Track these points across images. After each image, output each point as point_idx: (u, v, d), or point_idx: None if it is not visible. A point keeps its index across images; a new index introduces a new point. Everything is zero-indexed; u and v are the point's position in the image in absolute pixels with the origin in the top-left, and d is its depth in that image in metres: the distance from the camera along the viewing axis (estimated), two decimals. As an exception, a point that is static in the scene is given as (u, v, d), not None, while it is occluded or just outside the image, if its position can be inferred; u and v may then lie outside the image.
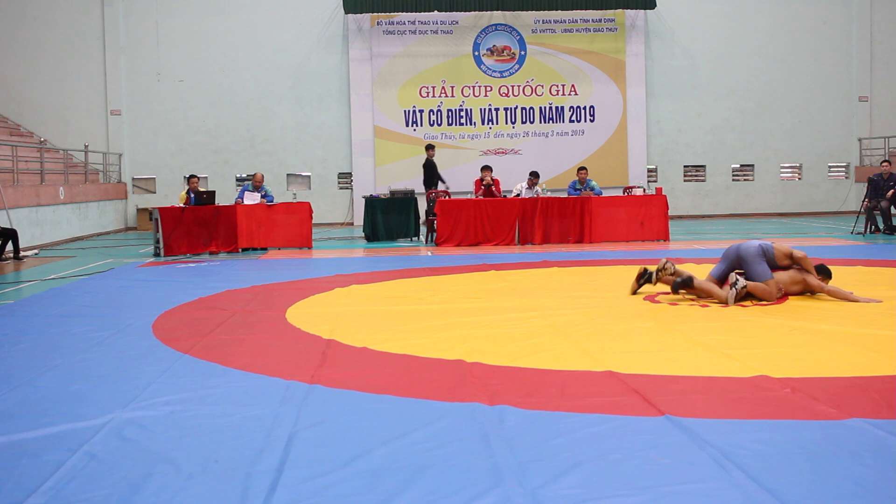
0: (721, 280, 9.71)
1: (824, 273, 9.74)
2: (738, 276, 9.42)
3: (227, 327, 8.56)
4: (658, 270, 10.15)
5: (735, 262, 9.68)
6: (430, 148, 21.41)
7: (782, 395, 5.65)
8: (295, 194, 20.32)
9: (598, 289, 10.87)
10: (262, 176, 18.42)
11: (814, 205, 26.99)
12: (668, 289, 10.13)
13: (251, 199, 17.56)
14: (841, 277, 10.38)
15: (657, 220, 18.06)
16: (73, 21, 25.12)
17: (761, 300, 9.39)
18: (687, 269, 10.95)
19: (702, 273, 10.40)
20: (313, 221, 17.97)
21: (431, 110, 25.53)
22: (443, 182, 20.93)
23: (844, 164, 27.28)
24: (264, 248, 17.37)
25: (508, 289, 11.07)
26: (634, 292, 10.29)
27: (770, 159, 26.98)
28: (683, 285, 9.63)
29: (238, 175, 25.29)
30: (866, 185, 19.49)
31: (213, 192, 17.81)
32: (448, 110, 25.58)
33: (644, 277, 10.34)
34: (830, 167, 27.30)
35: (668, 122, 26.45)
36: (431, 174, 21.02)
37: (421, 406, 5.57)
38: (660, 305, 9.44)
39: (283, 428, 5.13)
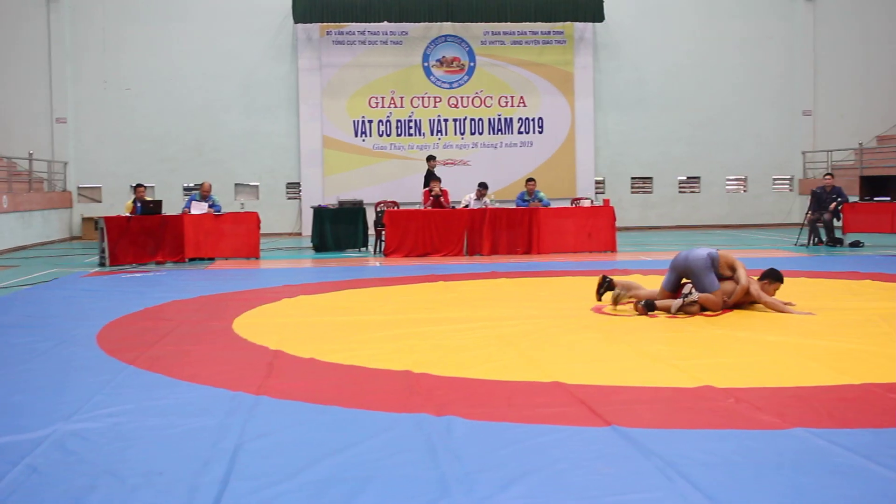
0: (673, 291, 9.78)
1: (774, 277, 9.85)
2: (692, 289, 9.50)
3: (172, 338, 8.48)
4: (614, 299, 10.08)
5: (683, 272, 9.75)
6: (431, 159, 21.31)
7: (727, 406, 5.71)
8: (243, 204, 20.19)
9: (545, 300, 10.92)
10: (210, 185, 18.31)
11: (759, 217, 27.32)
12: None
13: (199, 208, 17.45)
14: (784, 289, 10.49)
15: (605, 231, 18.18)
16: (18, 27, 24.80)
17: (707, 310, 9.47)
18: (634, 280, 11.03)
19: (650, 284, 10.48)
20: (261, 231, 17.87)
21: (381, 121, 25.52)
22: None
23: (788, 176, 27.66)
24: (211, 258, 17.24)
25: (456, 299, 11.08)
26: (599, 299, 10.34)
27: (716, 171, 27.28)
28: (649, 308, 9.60)
29: (186, 184, 25.09)
30: (810, 197, 19.75)
31: (160, 201, 17.68)
32: (397, 121, 25.58)
33: (604, 286, 10.38)
34: (775, 180, 27.66)
35: (615, 135, 26.64)
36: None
37: (368, 417, 5.56)
38: (607, 317, 9.50)
39: (228, 439, 5.09)
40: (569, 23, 25.91)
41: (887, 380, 6.30)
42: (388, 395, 6.13)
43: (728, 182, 27.47)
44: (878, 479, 4.35)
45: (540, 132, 26.06)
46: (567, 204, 20.33)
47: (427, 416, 5.49)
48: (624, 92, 26.61)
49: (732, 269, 9.68)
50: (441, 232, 17.75)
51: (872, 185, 19.77)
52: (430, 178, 20.67)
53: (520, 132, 26.00)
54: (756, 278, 9.89)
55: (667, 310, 9.52)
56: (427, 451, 4.83)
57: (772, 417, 5.40)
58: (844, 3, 27.50)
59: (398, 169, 25.31)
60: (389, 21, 25.02)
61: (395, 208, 19.06)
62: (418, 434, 5.14)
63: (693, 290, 9.47)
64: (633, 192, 26.98)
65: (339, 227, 19.02)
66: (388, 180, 25.10)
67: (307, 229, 22.77)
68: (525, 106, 26.03)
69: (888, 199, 19.24)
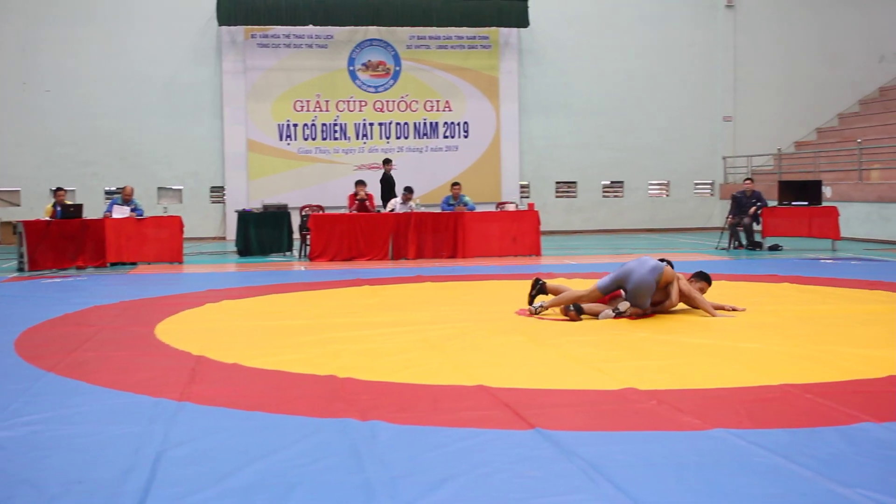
0: (605, 293, 9.81)
1: (701, 277, 10.04)
2: (628, 304, 9.55)
3: (93, 344, 8.35)
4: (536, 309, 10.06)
5: (624, 285, 9.72)
6: (387, 162, 21.34)
7: (649, 407, 5.78)
8: (166, 208, 19.96)
9: (470, 303, 10.95)
10: (132, 189, 18.09)
11: (681, 221, 27.70)
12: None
13: (120, 212, 17.21)
14: (707, 293, 10.63)
15: (529, 235, 18.29)
16: (-67, 27, 24.27)
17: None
18: (560, 283, 11.10)
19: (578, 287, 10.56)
20: (184, 235, 17.70)
21: (306, 124, 25.41)
22: (395, 197, 20.79)
23: (710, 181, 28.10)
24: (134, 263, 17.03)
25: (382, 304, 11.07)
26: (531, 303, 10.34)
27: (639, 176, 27.61)
28: (578, 313, 9.64)
29: (107, 188, 24.71)
30: (730, 202, 20.07)
31: (81, 205, 17.39)
32: (322, 124, 25.48)
33: (536, 288, 10.39)
34: (696, 184, 28.08)
35: (540, 139, 26.83)
36: (389, 188, 20.92)
37: (292, 422, 5.52)
38: (531, 319, 9.55)
39: (150, 447, 5.02)
40: (494, 28, 26.05)
41: (804, 380, 6.43)
42: (312, 400, 6.10)
43: (651, 187, 27.82)
44: (796, 478, 4.43)
45: (465, 136, 26.16)
46: (492, 208, 20.42)
47: (352, 420, 5.48)
48: (549, 97, 26.81)
49: (668, 284, 9.71)
50: (366, 236, 17.72)
51: (791, 190, 20.14)
52: (388, 181, 20.70)
53: (445, 136, 26.07)
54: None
55: (595, 315, 9.59)
56: (352, 457, 4.82)
57: (693, 418, 5.48)
58: (764, 11, 28.03)
59: (323, 173, 25.23)
60: (315, 24, 24.93)
61: (321, 212, 18.98)
62: (343, 439, 5.13)
63: (628, 308, 9.48)
64: (557, 197, 27.19)
65: (263, 232, 18.88)
66: (314, 184, 24.99)
67: (231, 233, 22.57)
68: (450, 110, 26.11)
69: (805, 203, 19.62)
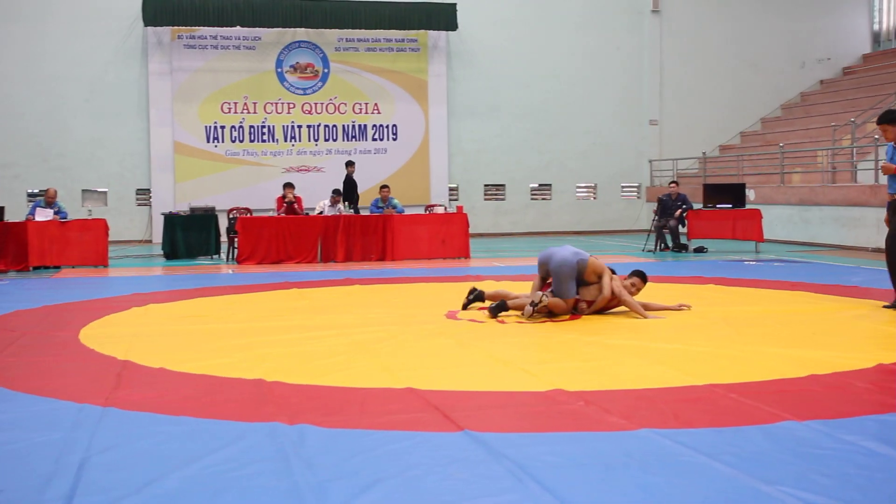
0: (541, 284, 9.93)
1: (638, 276, 10.18)
2: (544, 295, 9.63)
3: (15, 349, 8.20)
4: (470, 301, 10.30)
5: (546, 272, 9.88)
6: (350, 164, 21.38)
7: (576, 408, 5.83)
8: (90, 211, 19.69)
9: (399, 306, 10.96)
10: (56, 192, 17.80)
11: (608, 223, 27.96)
12: (472, 307, 10.39)
13: (43, 215, 16.92)
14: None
15: (458, 238, 18.34)
16: None
17: (556, 315, 9.65)
18: (488, 286, 11.16)
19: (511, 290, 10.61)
20: (110, 239, 17.46)
21: (233, 126, 25.20)
22: (357, 198, 20.83)
23: (636, 184, 28.42)
24: (57, 267, 16.74)
25: (310, 307, 11.03)
26: (465, 307, 10.39)
27: (567, 179, 27.82)
28: (499, 310, 9.73)
29: (30, 191, 24.27)
30: (656, 204, 20.31)
31: (2, 207, 17.04)
32: (250, 126, 25.30)
33: (474, 294, 10.43)
34: (623, 187, 28.38)
35: (469, 142, 26.91)
36: (352, 190, 20.95)
37: (219, 427, 5.47)
38: (460, 322, 9.58)
39: (74, 453, 4.94)
40: (423, 31, 26.07)
41: (728, 380, 6.52)
42: (240, 404, 6.06)
43: (578, 189, 28.05)
44: (720, 476, 4.50)
45: (394, 139, 26.15)
46: (421, 211, 20.44)
47: (280, 424, 5.44)
48: (477, 100, 26.90)
49: (599, 276, 9.80)
50: (295, 239, 17.63)
51: (715, 193, 20.45)
52: (350, 184, 20.71)
53: (374, 139, 26.04)
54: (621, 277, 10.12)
55: (520, 310, 9.67)
56: (280, 461, 4.78)
57: (619, 419, 5.53)
58: (689, 17, 28.44)
59: (251, 175, 25.06)
60: (242, 26, 24.76)
61: (248, 215, 18.85)
62: (271, 443, 5.09)
63: (544, 298, 9.59)
64: (486, 199, 27.29)
65: (190, 234, 18.68)
66: (242, 187, 24.80)
67: (158, 236, 22.32)
68: (379, 113, 26.08)
69: (729, 206, 19.94)
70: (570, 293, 9.66)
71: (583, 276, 9.75)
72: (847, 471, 4.56)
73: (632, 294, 9.94)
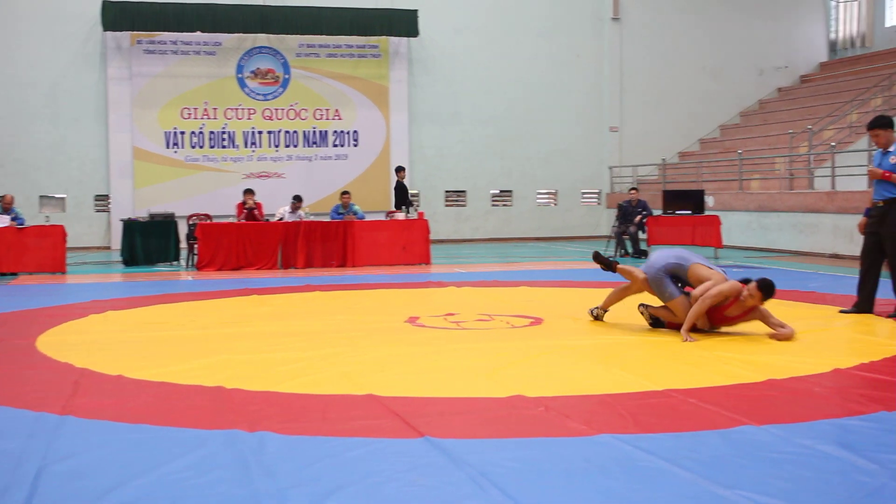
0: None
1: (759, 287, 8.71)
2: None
3: (-29, 357, 8.10)
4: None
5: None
6: (400, 170, 21.52)
7: (537, 414, 5.84)
8: (48, 217, 19.52)
9: (360, 312, 10.93)
10: (12, 197, 17.63)
11: (569, 230, 28.07)
12: (433, 313, 10.39)
13: (0, 221, 16.75)
14: (585, 300, 10.74)
15: (419, 244, 18.33)
16: None
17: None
18: (449, 293, 11.18)
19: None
20: (68, 245, 17.29)
21: (193, 132, 25.07)
22: (411, 205, 20.83)
23: (597, 190, 28.57)
24: (14, 273, 16.57)
25: (270, 313, 10.98)
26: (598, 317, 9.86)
27: (528, 185, 27.92)
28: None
29: (-14, 196, 24.01)
30: (616, 210, 20.42)
31: (-42, 214, 16.90)
32: (210, 133, 25.18)
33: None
34: (584, 194, 28.52)
35: (430, 148, 26.94)
36: (403, 196, 21.10)
37: (178, 435, 5.43)
38: (422, 329, 9.58)
39: (30, 463, 4.88)
40: (384, 37, 26.08)
41: (687, 385, 6.57)
42: (199, 411, 6.02)
43: (539, 196, 28.15)
44: (679, 480, 4.52)
45: (355, 145, 26.12)
46: (382, 217, 20.43)
47: (239, 432, 5.41)
48: (438, 106, 26.94)
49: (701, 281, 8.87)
50: (255, 245, 17.55)
51: (674, 199, 20.60)
52: (401, 190, 20.84)
53: (335, 145, 25.99)
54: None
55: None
56: (239, 468, 4.76)
57: (580, 424, 5.55)
58: (649, 25, 28.66)
59: (211, 181, 24.93)
60: (203, 31, 24.64)
61: (208, 221, 18.74)
62: (230, 451, 5.06)
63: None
64: (447, 206, 27.33)
65: (149, 241, 18.54)
66: (202, 193, 24.68)
67: (117, 243, 22.13)
68: (340, 119, 26.05)
69: (689, 212, 20.09)
70: (668, 295, 8.98)
71: (687, 281, 9.00)
72: (804, 474, 4.60)
73: (749, 306, 8.69)
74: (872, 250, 10.14)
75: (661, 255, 9.17)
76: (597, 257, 9.99)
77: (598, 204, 28.57)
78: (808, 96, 28.49)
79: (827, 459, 4.84)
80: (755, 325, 8.83)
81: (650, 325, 9.29)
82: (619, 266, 9.74)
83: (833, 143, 21.47)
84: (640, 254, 19.57)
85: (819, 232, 19.65)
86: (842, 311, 10.29)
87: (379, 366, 7.54)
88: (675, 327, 8.90)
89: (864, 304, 10.19)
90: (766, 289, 8.55)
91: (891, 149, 9.90)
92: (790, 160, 22.82)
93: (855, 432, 5.36)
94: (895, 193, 9.82)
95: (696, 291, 8.72)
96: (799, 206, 20.45)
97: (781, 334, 8.54)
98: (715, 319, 8.82)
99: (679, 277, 9.00)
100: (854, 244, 18.32)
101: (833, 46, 31.45)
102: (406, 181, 21.85)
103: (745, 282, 8.66)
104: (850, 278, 14.50)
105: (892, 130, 10.02)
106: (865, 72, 27.57)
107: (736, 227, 22.07)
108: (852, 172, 20.57)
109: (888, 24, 30.04)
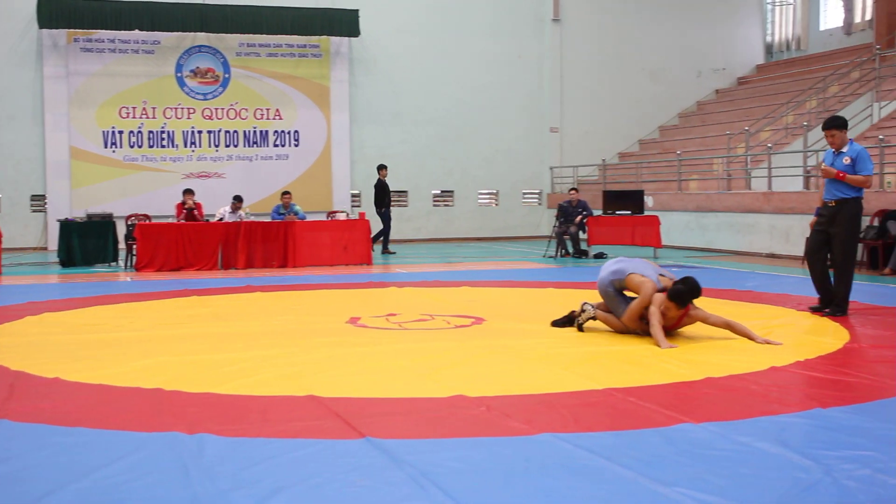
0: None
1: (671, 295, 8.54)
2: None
3: None
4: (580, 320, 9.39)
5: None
6: (382, 168, 21.61)
7: (478, 414, 5.86)
8: (-18, 217, 19.27)
9: (301, 313, 10.89)
10: (-55, 197, 17.34)
11: (510, 230, 28.17)
12: (375, 314, 10.38)
13: (-68, 222, 16.46)
14: (530, 299, 10.85)
15: (360, 244, 18.30)
16: None
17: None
18: (391, 293, 11.17)
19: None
20: (3, 246, 17.03)
21: (132, 131, 24.78)
22: (391, 203, 21.19)
23: (537, 191, 28.71)
24: (-53, 275, 16.29)
25: (210, 314, 10.90)
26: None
27: (469, 186, 27.97)
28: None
29: (-82, 196, 23.58)
30: (557, 211, 20.53)
31: None
32: (149, 132, 24.91)
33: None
34: (525, 194, 28.64)
35: (371, 148, 26.87)
36: (383, 194, 21.26)
37: (117, 437, 5.37)
38: (363, 329, 9.57)
39: (-36, 467, 4.81)
40: (325, 37, 25.97)
41: (627, 384, 6.63)
42: (137, 414, 5.96)
43: (480, 196, 28.22)
44: (619, 478, 4.56)
45: (296, 145, 25.99)
46: (323, 217, 20.36)
47: (179, 434, 5.37)
48: (380, 106, 26.91)
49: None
50: (195, 246, 17.40)
51: (614, 199, 20.76)
52: (381, 188, 20.97)
53: (275, 145, 25.85)
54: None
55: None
56: (179, 471, 4.72)
57: (520, 424, 5.58)
58: (589, 26, 28.85)
59: (150, 181, 24.66)
60: (141, 29, 24.35)
61: (147, 221, 18.54)
62: (169, 453, 5.02)
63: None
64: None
65: (87, 241, 18.30)
66: (141, 193, 24.41)
67: (53, 244, 21.83)
68: (281, 119, 25.91)
69: (629, 212, 20.25)
70: (622, 312, 8.87)
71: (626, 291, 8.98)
72: (741, 471, 4.67)
73: (675, 315, 8.54)
74: (819, 248, 10.29)
75: (604, 271, 9.10)
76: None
77: (539, 204, 28.71)
78: (745, 98, 28.88)
79: (764, 456, 4.91)
80: (699, 327, 8.90)
81: (578, 324, 9.29)
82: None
83: (769, 145, 21.77)
84: (581, 254, 19.67)
85: (756, 232, 19.92)
86: (811, 309, 10.41)
87: (320, 367, 7.52)
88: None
89: (826, 299, 10.33)
90: (676, 296, 8.39)
91: (844, 149, 10.08)
92: (728, 161, 23.10)
93: (791, 429, 5.44)
94: (847, 194, 10.02)
95: (629, 316, 8.73)
96: (736, 206, 20.71)
97: (756, 338, 8.40)
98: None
99: (624, 289, 9.02)
100: (790, 244, 18.63)
101: (769, 49, 31.92)
102: (387, 179, 22.15)
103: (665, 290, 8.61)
104: (786, 277, 14.76)
105: (846, 131, 10.22)
106: (801, 74, 28.01)
107: (675, 227, 22.30)
108: (788, 173, 20.89)
109: (822, 27, 30.55)
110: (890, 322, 9.77)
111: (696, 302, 8.62)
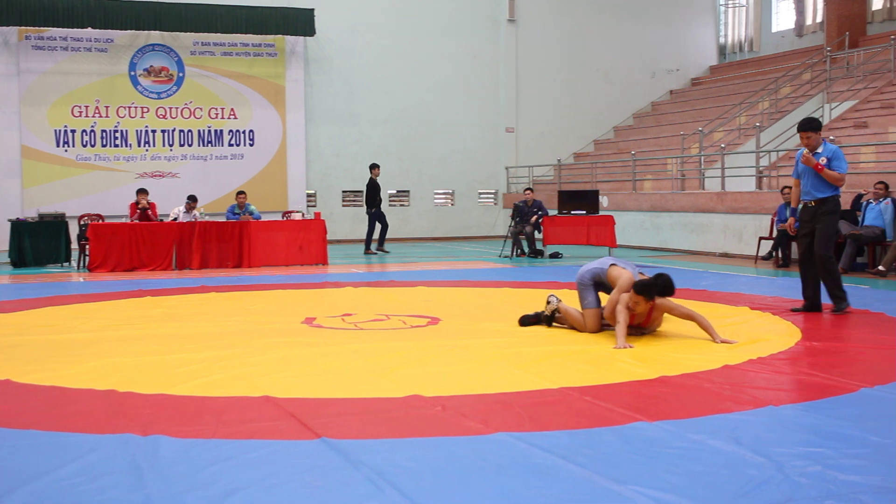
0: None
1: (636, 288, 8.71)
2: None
3: None
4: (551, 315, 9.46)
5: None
6: (374, 167, 21.66)
7: (433, 413, 5.86)
8: (-69, 217, 18.96)
9: (256, 313, 10.84)
10: None
11: (466, 230, 28.22)
12: (330, 314, 10.35)
13: None
14: (486, 299, 10.86)
15: (316, 244, 18.25)
16: None
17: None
18: (346, 293, 11.15)
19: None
20: (-48, 246, 16.82)
21: (84, 130, 24.53)
22: (380, 203, 21.58)
23: (493, 191, 28.78)
24: None
25: (165, 315, 10.82)
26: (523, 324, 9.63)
27: (425, 186, 27.99)
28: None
29: None
30: (512, 210, 20.59)
31: None
32: (102, 131, 24.67)
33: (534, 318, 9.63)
34: (480, 194, 28.69)
35: (327, 148, 26.82)
36: (374, 194, 21.31)
37: (69, 440, 5.31)
38: (318, 329, 9.54)
39: (-88, 470, 4.74)
40: (280, 36, 25.86)
41: (582, 383, 6.66)
42: (90, 415, 5.90)
43: (436, 196, 28.24)
44: (574, 477, 4.58)
45: (251, 145, 25.86)
46: (278, 217, 20.28)
47: (132, 436, 5.32)
48: (335, 106, 26.84)
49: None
50: (149, 246, 17.27)
51: (569, 199, 20.84)
52: (373, 187, 21.57)
53: (230, 144, 25.70)
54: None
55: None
56: (132, 473, 4.67)
57: (476, 423, 5.59)
58: (544, 27, 28.96)
59: (104, 181, 24.42)
60: (94, 27, 24.11)
61: (100, 221, 18.37)
62: (123, 455, 4.97)
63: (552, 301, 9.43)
64: (344, 206, 27.23)
65: (39, 241, 18.10)
66: (93, 192, 24.17)
67: (4, 244, 21.51)
68: (236, 118, 25.76)
69: (584, 212, 20.34)
70: (586, 303, 9.07)
71: (609, 285, 8.99)
72: (695, 469, 4.70)
73: (643, 309, 8.63)
74: (812, 256, 10.37)
75: (588, 265, 9.22)
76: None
77: (495, 204, 28.78)
78: (699, 98, 29.13)
79: (717, 454, 4.95)
80: (662, 325, 8.95)
81: (546, 317, 9.36)
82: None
83: (723, 145, 21.98)
84: (537, 253, 19.74)
85: (710, 231, 20.09)
86: (793, 310, 10.50)
87: (275, 367, 7.48)
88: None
89: (812, 304, 10.43)
90: (643, 289, 8.47)
91: (819, 150, 10.20)
92: (682, 161, 23.27)
93: (744, 427, 5.49)
94: (825, 193, 10.17)
95: (606, 311, 8.82)
96: (690, 206, 20.88)
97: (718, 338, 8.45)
98: (631, 322, 8.69)
99: (604, 283, 9.07)
100: (744, 244, 18.81)
101: (722, 50, 32.24)
102: (379, 179, 22.23)
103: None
104: (739, 276, 14.90)
105: (821, 133, 10.33)
106: (753, 75, 28.30)
107: (630, 227, 22.44)
108: (741, 173, 21.09)
109: (774, 29, 30.90)
110: (841, 320, 9.89)
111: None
